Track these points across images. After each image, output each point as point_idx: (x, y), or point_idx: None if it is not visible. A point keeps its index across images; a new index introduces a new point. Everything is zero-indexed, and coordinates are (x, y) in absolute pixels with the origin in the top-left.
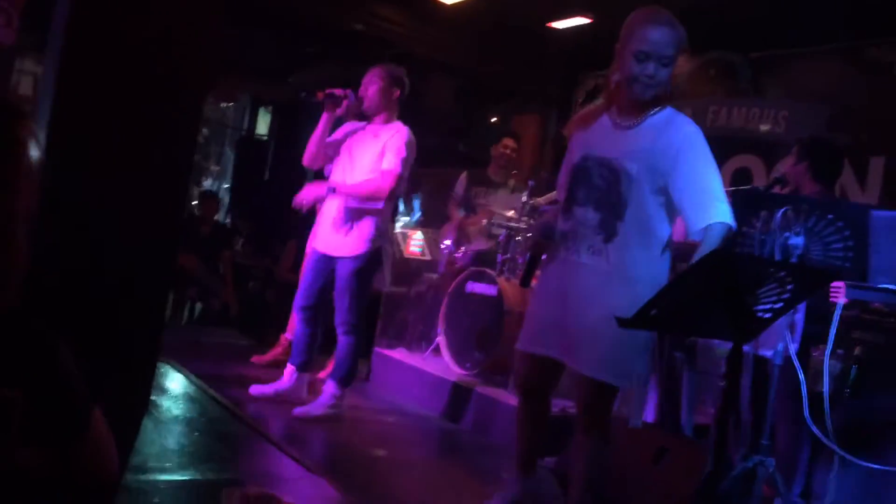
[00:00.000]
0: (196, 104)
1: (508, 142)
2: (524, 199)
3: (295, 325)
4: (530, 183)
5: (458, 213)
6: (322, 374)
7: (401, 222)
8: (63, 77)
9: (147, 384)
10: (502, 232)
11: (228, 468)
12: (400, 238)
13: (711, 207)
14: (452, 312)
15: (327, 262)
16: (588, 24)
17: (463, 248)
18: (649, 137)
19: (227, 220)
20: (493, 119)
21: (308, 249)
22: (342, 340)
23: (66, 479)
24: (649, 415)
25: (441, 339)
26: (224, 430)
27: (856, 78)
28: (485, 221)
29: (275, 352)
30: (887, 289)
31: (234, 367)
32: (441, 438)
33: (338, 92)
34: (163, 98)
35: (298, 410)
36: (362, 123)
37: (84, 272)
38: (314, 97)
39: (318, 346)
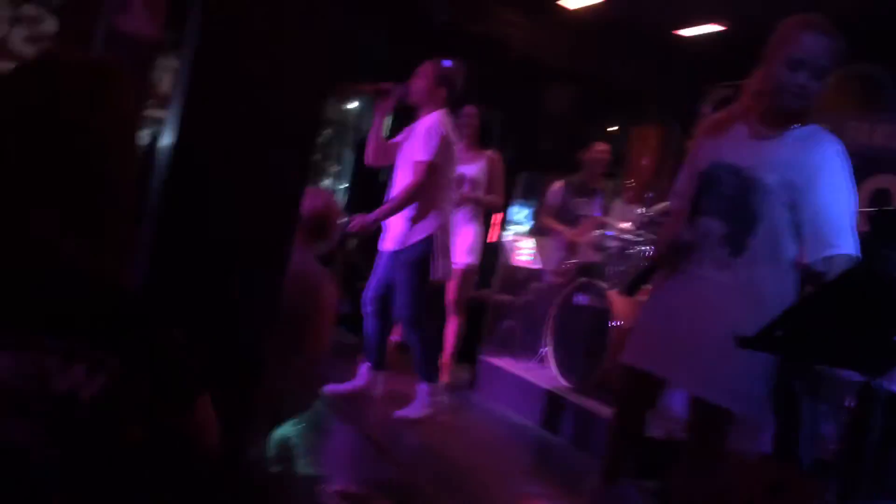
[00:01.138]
0: (316, 106)
1: (601, 146)
2: (640, 210)
3: (365, 322)
4: (649, 195)
5: (555, 224)
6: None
7: (512, 229)
8: (194, 75)
9: (258, 381)
10: (614, 244)
11: (326, 465)
12: (509, 245)
13: (840, 236)
14: (560, 324)
15: (387, 258)
16: (719, 31)
17: (571, 260)
18: (791, 150)
19: (343, 220)
20: (614, 128)
21: None
22: (411, 339)
23: (166, 456)
24: (765, 445)
25: (548, 350)
26: (325, 428)
27: None
28: (597, 232)
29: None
30: None
31: (339, 366)
32: (541, 450)
33: (384, 86)
34: (284, 98)
35: (399, 413)
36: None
37: (202, 267)
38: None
39: (386, 343)
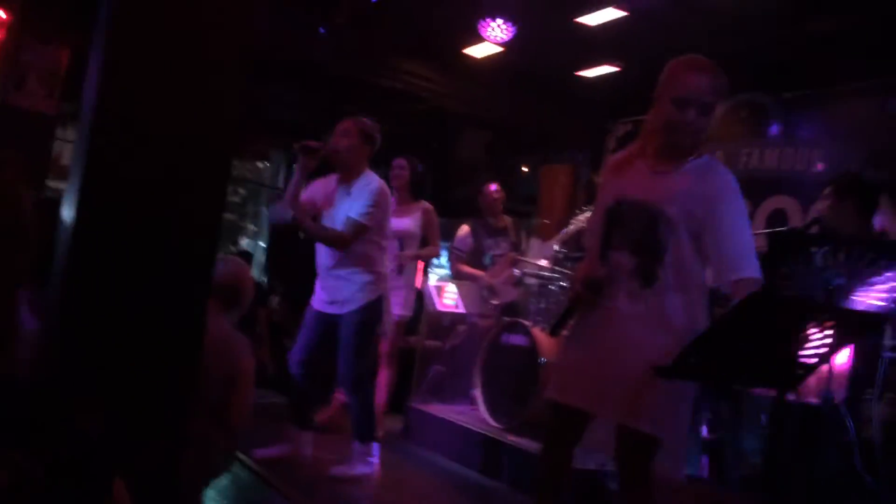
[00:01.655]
0: (223, 164)
1: (491, 186)
2: (556, 247)
3: (293, 382)
4: (562, 231)
5: (468, 268)
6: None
7: (435, 275)
8: (92, 143)
9: (176, 450)
10: (534, 281)
11: None
12: (434, 291)
13: (745, 260)
14: (488, 365)
15: (325, 319)
16: (616, 72)
17: (493, 301)
18: (686, 182)
19: (264, 279)
20: (524, 169)
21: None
22: (351, 400)
23: None
24: (694, 467)
25: (477, 393)
26: (256, 499)
27: (889, 115)
28: (516, 271)
29: (328, 413)
30: None
31: (268, 430)
32: (478, 495)
33: (312, 144)
34: (189, 159)
35: (335, 471)
36: (332, 180)
37: (113, 333)
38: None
39: (317, 403)
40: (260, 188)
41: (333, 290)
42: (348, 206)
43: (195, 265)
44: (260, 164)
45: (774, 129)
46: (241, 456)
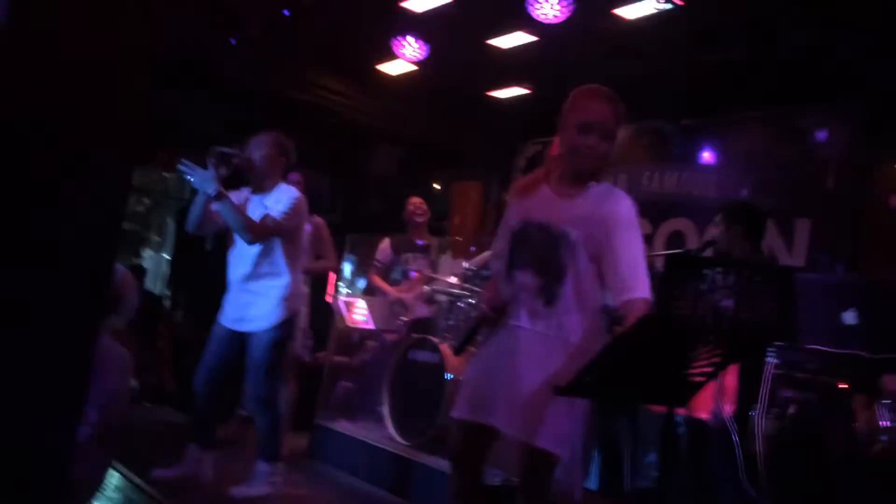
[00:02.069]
0: (124, 174)
1: (415, 200)
2: (466, 265)
3: (196, 401)
4: (472, 249)
5: (381, 283)
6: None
7: (345, 291)
8: None
9: (64, 472)
10: (444, 298)
11: None
12: (344, 307)
13: (636, 281)
14: (396, 382)
15: (234, 336)
16: (526, 94)
17: (404, 317)
18: (588, 206)
19: (167, 293)
20: (437, 186)
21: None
22: (259, 420)
23: None
24: (592, 482)
25: (384, 410)
26: None
27: (780, 143)
28: (426, 288)
29: (229, 429)
30: (814, 349)
31: (167, 449)
32: None
33: (227, 151)
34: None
35: (236, 491)
36: (246, 191)
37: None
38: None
39: (220, 421)
40: (165, 199)
41: (244, 306)
42: (264, 212)
43: (91, 275)
44: (166, 175)
45: (674, 155)
46: (136, 478)
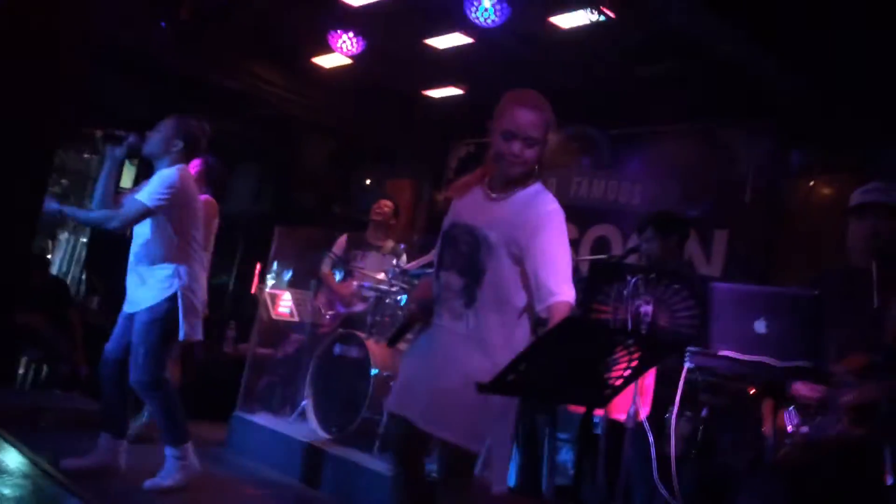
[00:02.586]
0: (47, 152)
1: (386, 202)
2: (394, 262)
3: (102, 388)
4: (401, 247)
5: (331, 274)
6: None
7: (270, 282)
8: None
9: None
10: (372, 294)
11: None
12: (269, 298)
13: (559, 286)
14: (320, 375)
15: (128, 319)
16: (460, 94)
17: (332, 311)
18: (513, 210)
19: (82, 277)
20: (368, 182)
21: None
22: (150, 405)
23: None
24: (511, 478)
25: (307, 403)
26: None
27: (703, 156)
28: (355, 284)
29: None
30: (726, 355)
31: (77, 438)
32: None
33: (117, 132)
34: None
35: (148, 483)
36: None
37: None
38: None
39: (129, 410)
40: (85, 180)
41: (132, 289)
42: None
43: (9, 255)
44: (86, 156)
45: (602, 162)
46: (46, 466)
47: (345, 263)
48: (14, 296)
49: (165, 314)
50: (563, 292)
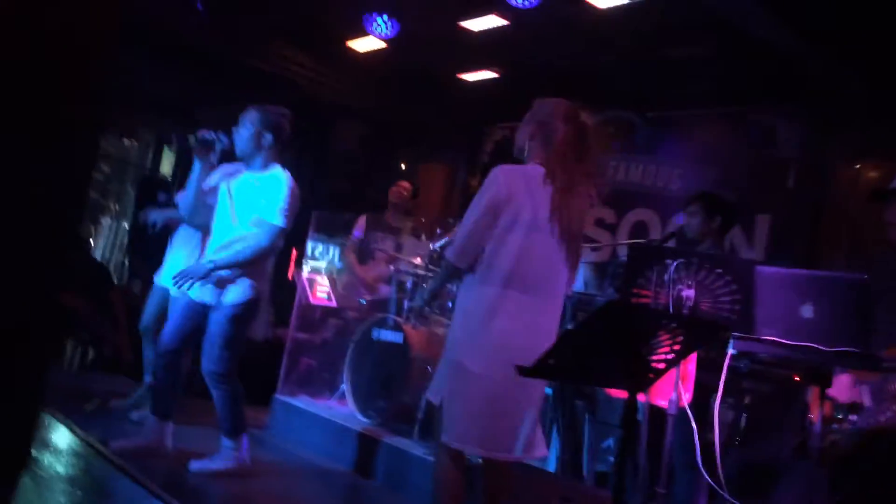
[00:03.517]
0: (90, 139)
1: (404, 184)
2: (432, 246)
3: (156, 371)
4: (438, 231)
5: (353, 259)
6: None
7: (308, 267)
8: None
9: (27, 437)
10: (409, 279)
11: None
12: (307, 283)
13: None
14: (358, 360)
15: (200, 308)
16: (495, 77)
17: (368, 295)
18: None
19: (126, 261)
20: (403, 166)
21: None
22: (216, 394)
23: None
24: (551, 464)
25: (346, 387)
26: (110, 489)
27: (742, 140)
28: (391, 268)
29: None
30: (771, 340)
31: (123, 419)
32: (342, 490)
33: (208, 136)
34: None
35: (195, 465)
36: (239, 165)
37: None
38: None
39: (179, 393)
40: (126, 166)
41: (211, 279)
42: (255, 198)
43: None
44: (126, 142)
45: (640, 146)
46: (97, 445)
47: (366, 246)
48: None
49: (246, 312)
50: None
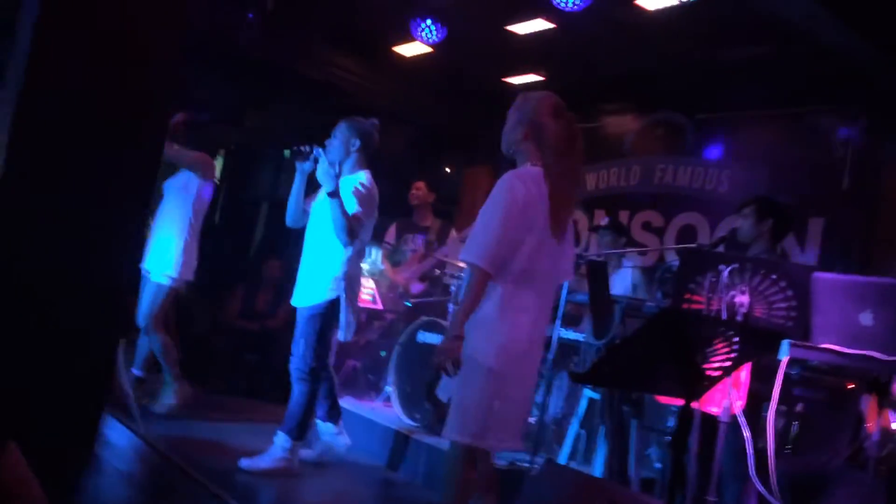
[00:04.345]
0: (156, 148)
1: (417, 184)
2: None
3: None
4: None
5: (387, 264)
6: None
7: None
8: (20, 119)
9: (91, 435)
10: (453, 281)
11: None
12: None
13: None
14: (403, 363)
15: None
16: (541, 81)
17: (407, 298)
18: None
19: None
20: (448, 169)
21: None
22: (293, 388)
23: None
24: (597, 469)
25: (391, 390)
26: (167, 485)
27: (794, 142)
28: (437, 272)
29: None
30: (829, 348)
31: (178, 418)
32: (388, 491)
33: (304, 148)
34: (122, 140)
35: (245, 463)
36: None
37: (31, 313)
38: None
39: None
40: (166, 166)
41: (302, 280)
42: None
43: (121, 249)
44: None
45: (688, 149)
46: (152, 441)
47: (397, 251)
48: (130, 288)
49: (326, 313)
50: (467, 251)
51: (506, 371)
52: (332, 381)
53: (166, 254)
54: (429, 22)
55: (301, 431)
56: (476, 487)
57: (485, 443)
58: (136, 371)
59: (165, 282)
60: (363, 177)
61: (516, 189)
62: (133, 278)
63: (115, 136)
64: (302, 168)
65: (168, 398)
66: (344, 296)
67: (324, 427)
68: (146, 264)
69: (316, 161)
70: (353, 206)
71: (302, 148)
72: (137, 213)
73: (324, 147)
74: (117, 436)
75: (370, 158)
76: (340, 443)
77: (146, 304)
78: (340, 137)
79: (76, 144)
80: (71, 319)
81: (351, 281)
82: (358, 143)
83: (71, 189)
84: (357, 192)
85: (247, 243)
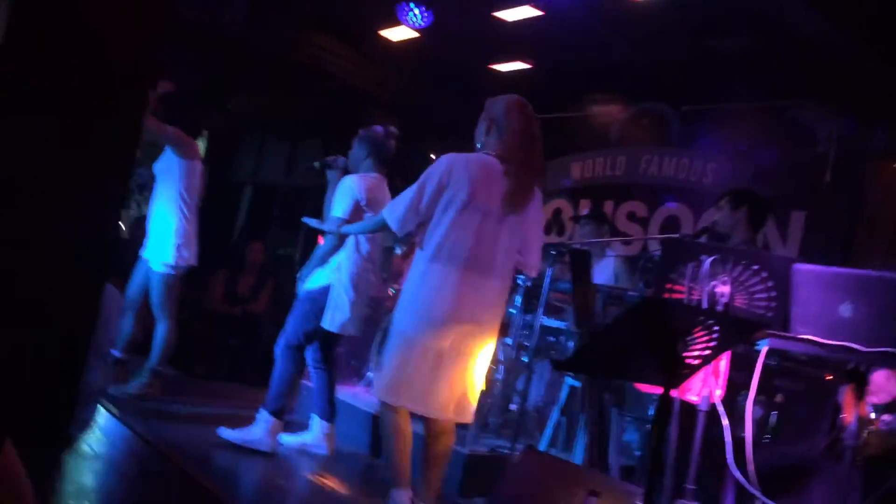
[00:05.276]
0: (135, 126)
1: None
2: None
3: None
4: None
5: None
6: None
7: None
8: None
9: (68, 418)
10: None
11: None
12: None
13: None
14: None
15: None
16: (528, 68)
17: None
18: None
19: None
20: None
21: None
22: (276, 361)
23: None
24: (577, 457)
25: (373, 375)
26: (147, 469)
27: (778, 135)
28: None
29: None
30: (808, 339)
31: (157, 400)
32: (367, 474)
33: (329, 159)
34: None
35: (223, 431)
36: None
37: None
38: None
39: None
40: (151, 148)
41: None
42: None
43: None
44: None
45: (673, 140)
46: (136, 427)
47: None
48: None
49: (312, 297)
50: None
51: (417, 339)
52: (332, 377)
53: (162, 241)
54: (417, 7)
55: (278, 407)
56: (411, 442)
57: (398, 402)
58: (115, 352)
59: (164, 270)
60: (351, 180)
61: (440, 165)
62: (113, 256)
63: (93, 107)
64: (334, 177)
65: (138, 383)
66: (337, 286)
67: (318, 425)
68: (145, 252)
69: (343, 170)
70: (338, 210)
71: (330, 160)
72: (116, 191)
73: (345, 155)
74: (97, 420)
75: (383, 163)
76: (322, 449)
77: (153, 295)
78: (355, 147)
79: (51, 113)
80: (46, 301)
81: (358, 277)
82: (365, 151)
83: (46, 164)
84: (341, 197)
85: (229, 227)
